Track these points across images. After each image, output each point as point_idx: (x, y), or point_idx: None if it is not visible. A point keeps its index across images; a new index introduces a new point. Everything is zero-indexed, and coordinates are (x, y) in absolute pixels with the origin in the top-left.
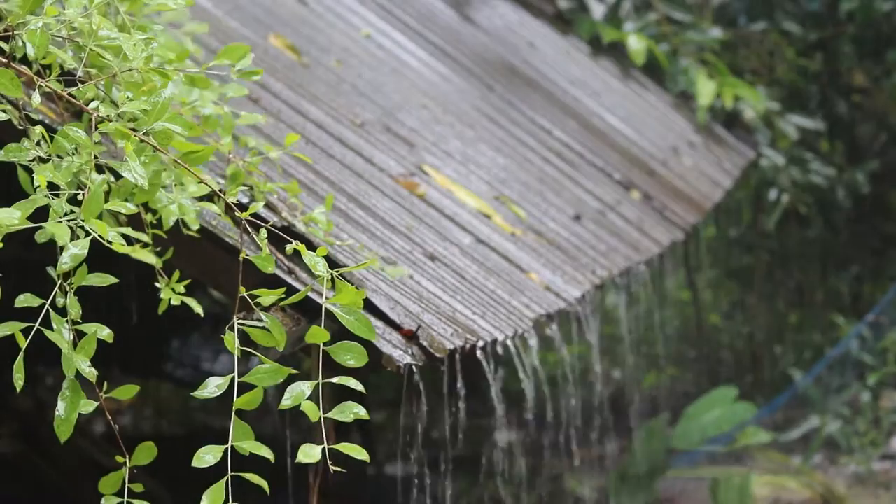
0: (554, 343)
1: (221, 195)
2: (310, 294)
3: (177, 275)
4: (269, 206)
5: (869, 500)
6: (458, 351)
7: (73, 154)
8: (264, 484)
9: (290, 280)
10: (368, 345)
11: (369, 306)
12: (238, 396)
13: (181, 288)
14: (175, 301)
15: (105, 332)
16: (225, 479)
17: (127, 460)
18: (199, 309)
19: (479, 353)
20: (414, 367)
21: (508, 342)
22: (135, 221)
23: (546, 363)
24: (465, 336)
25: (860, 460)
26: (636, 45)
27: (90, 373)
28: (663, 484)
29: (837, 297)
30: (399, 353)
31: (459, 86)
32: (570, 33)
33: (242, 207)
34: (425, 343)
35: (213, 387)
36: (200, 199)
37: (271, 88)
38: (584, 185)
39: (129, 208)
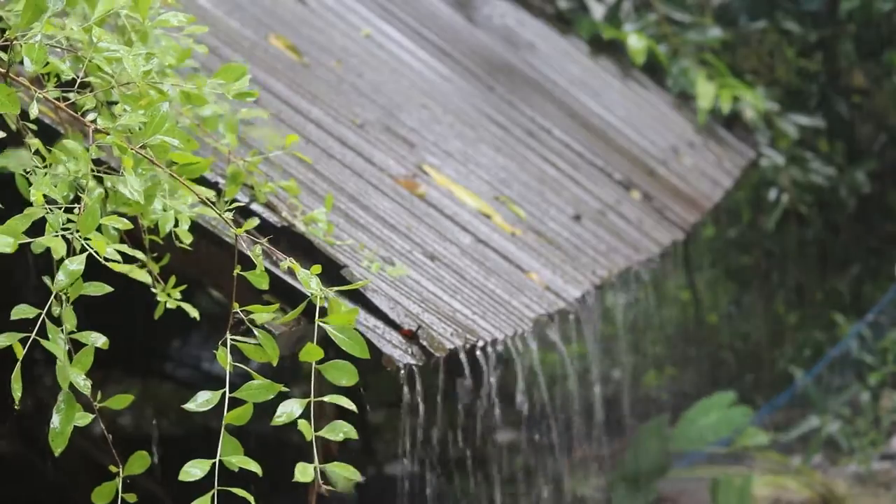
0: (554, 343)
1: (218, 212)
2: (309, 296)
3: (173, 280)
4: (269, 205)
5: (869, 500)
6: (459, 351)
7: (70, 162)
8: (250, 498)
9: (290, 280)
10: (369, 345)
11: (369, 306)
12: (230, 409)
13: (177, 294)
14: (171, 305)
15: (101, 341)
16: (212, 493)
17: (120, 469)
18: (195, 313)
19: (478, 352)
20: (414, 366)
21: (508, 342)
22: (133, 225)
23: (546, 363)
24: (465, 336)
25: (860, 460)
26: (637, 44)
27: (85, 386)
28: (663, 484)
29: (837, 296)
30: (399, 353)
31: (459, 86)
32: (570, 33)
33: (242, 211)
34: (425, 343)
35: (202, 400)
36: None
37: (271, 88)
38: (584, 185)
39: (125, 223)
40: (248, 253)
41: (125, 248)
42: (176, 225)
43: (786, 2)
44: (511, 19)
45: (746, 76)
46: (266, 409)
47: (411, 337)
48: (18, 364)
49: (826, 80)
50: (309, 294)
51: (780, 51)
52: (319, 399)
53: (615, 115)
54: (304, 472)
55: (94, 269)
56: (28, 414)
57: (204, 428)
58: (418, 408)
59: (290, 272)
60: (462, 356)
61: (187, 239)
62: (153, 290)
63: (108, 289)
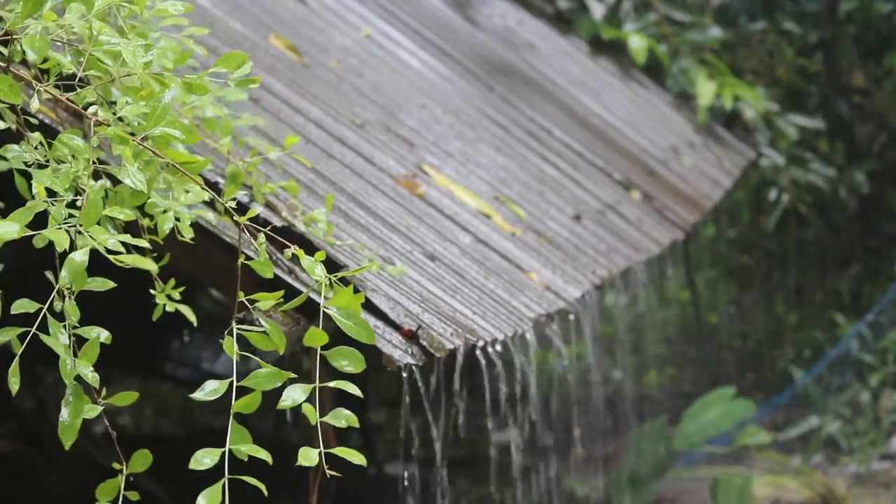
0: (553, 343)
1: (220, 201)
2: (310, 294)
3: (172, 282)
4: (269, 205)
5: (869, 500)
6: (458, 351)
7: (72, 159)
8: (262, 486)
9: (290, 280)
10: (369, 345)
11: (369, 306)
12: (237, 399)
13: (176, 294)
14: (170, 308)
15: (104, 335)
16: (222, 481)
17: (124, 467)
18: (192, 317)
19: (478, 353)
20: (414, 366)
21: (508, 342)
22: (131, 225)
23: (546, 363)
24: (464, 336)
25: (860, 460)
26: (637, 44)
27: (93, 378)
28: (663, 484)
29: (837, 296)
30: (399, 353)
31: (459, 86)
32: (570, 33)
33: (243, 209)
34: (425, 343)
35: (209, 389)
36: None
37: (271, 88)
38: (584, 185)
39: (128, 214)
40: (249, 252)
41: (128, 237)
42: (177, 221)
43: (786, 2)
44: (511, 19)
45: (746, 76)
46: (265, 409)
47: (411, 337)
48: (17, 358)
49: (826, 80)
50: (312, 284)
51: (780, 51)
52: (325, 385)
53: (615, 115)
54: (307, 457)
55: (95, 269)
56: (28, 414)
57: (206, 427)
58: (420, 406)
59: (291, 273)
60: (461, 356)
61: (188, 234)
62: (153, 289)
63: (112, 284)
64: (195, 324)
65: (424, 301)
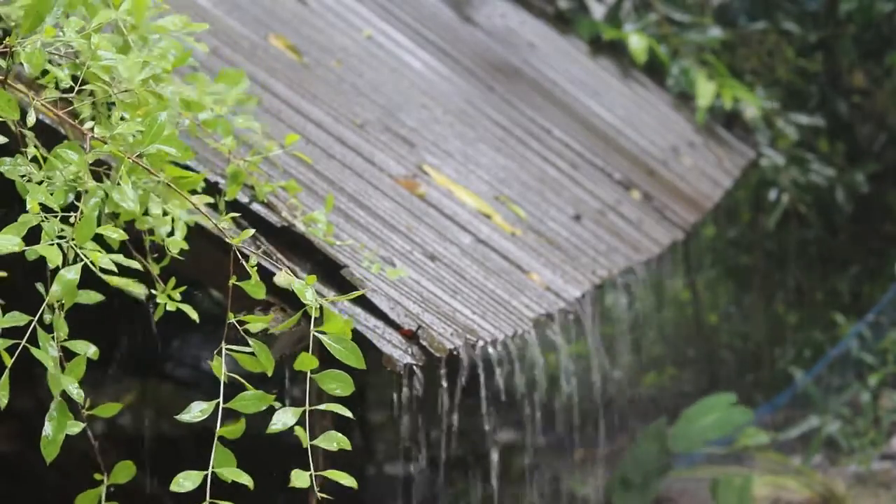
0: (554, 343)
1: (215, 223)
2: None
3: (172, 282)
4: (269, 205)
5: (869, 500)
6: (458, 351)
7: (69, 167)
8: None
9: None
10: (369, 345)
11: (369, 306)
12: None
13: (177, 295)
14: (171, 307)
15: (92, 350)
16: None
17: (105, 478)
18: (195, 315)
19: (478, 353)
20: (414, 366)
21: (508, 342)
22: (130, 227)
23: (545, 363)
24: (465, 336)
25: (860, 460)
26: (637, 44)
27: (79, 395)
28: (663, 484)
29: (837, 296)
30: (399, 353)
31: (459, 86)
32: (570, 33)
33: (243, 212)
34: (425, 343)
35: (196, 412)
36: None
37: (271, 88)
38: (584, 185)
39: (121, 233)
40: (244, 263)
41: (121, 258)
42: (171, 233)
43: (786, 2)
44: (511, 19)
45: (746, 76)
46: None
47: (411, 337)
48: (7, 371)
49: (826, 80)
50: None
51: (780, 51)
52: (314, 408)
53: (615, 115)
54: (300, 479)
55: (91, 272)
56: (28, 414)
57: (205, 428)
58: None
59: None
60: (462, 356)
61: (176, 248)
62: (152, 292)
63: (100, 297)
64: (197, 321)
65: (424, 301)
